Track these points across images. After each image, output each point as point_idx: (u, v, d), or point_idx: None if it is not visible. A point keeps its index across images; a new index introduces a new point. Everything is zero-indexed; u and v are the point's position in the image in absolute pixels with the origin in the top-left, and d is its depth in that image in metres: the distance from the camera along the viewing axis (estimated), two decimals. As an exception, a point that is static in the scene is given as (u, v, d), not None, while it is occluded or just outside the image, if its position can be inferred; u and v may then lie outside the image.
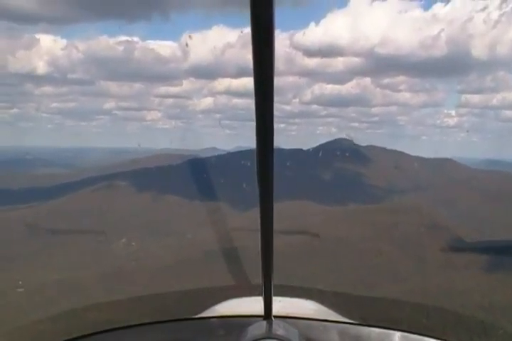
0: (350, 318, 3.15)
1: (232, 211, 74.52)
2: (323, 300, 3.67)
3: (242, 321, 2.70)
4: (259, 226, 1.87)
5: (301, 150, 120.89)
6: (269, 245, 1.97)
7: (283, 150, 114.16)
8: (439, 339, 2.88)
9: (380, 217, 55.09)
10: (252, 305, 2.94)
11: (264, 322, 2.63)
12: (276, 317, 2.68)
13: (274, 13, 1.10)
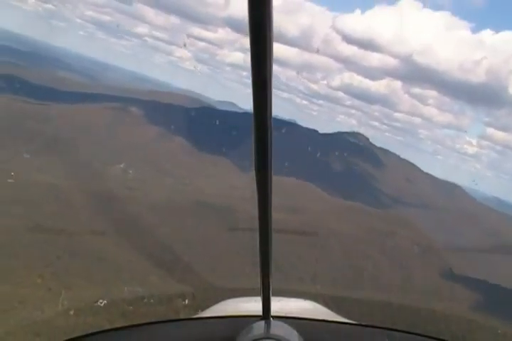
0: (348, 318, 3.25)
1: (233, 168, 75.25)
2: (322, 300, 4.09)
3: (241, 321, 2.71)
4: (258, 226, 1.87)
5: (317, 131, 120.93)
6: (267, 245, 1.97)
7: (299, 126, 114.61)
8: (438, 339, 2.95)
9: (378, 223, 55.57)
10: (251, 305, 3.01)
11: (263, 322, 2.63)
12: (274, 317, 2.67)
13: (272, 10, 1.14)
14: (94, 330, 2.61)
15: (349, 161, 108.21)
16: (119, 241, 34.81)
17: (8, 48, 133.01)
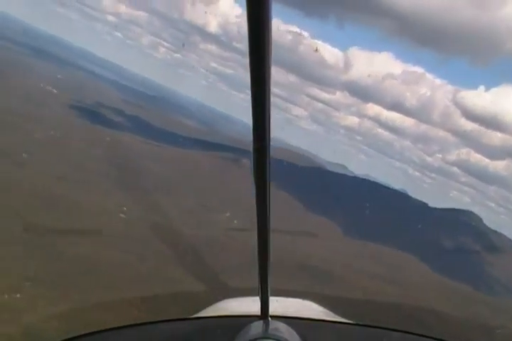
0: (346, 318, 3.19)
1: (337, 232, 74.37)
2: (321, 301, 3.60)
3: (239, 321, 2.73)
4: (256, 226, 1.88)
5: (427, 205, 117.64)
6: (265, 245, 1.98)
7: (409, 197, 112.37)
8: (437, 339, 2.91)
9: (485, 311, 52.01)
10: (249, 305, 2.97)
11: (261, 322, 2.66)
12: (273, 317, 2.70)
13: (271, 11, 1.10)
14: (94, 330, 2.64)
15: (458, 240, 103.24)
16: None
17: (137, 91, 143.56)
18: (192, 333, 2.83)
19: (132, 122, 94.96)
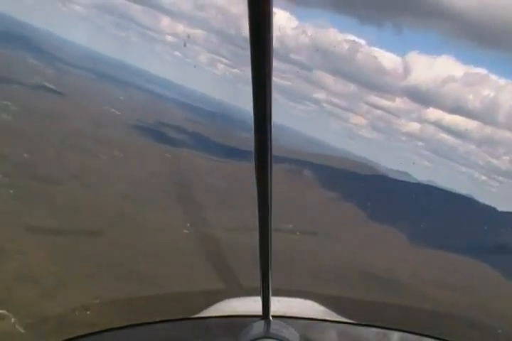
0: (348, 318, 3.18)
1: (403, 240, 72.64)
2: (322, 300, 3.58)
3: (241, 321, 2.75)
4: (257, 226, 1.88)
5: (495, 209, 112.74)
6: (267, 245, 1.98)
7: (476, 202, 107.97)
8: (437, 339, 2.91)
9: None
10: (250, 304, 2.96)
11: (263, 322, 2.65)
12: (274, 316, 2.69)
13: (272, 11, 1.11)
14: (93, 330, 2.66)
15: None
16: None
17: (197, 108, 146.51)
18: (193, 333, 2.91)
19: (193, 139, 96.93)
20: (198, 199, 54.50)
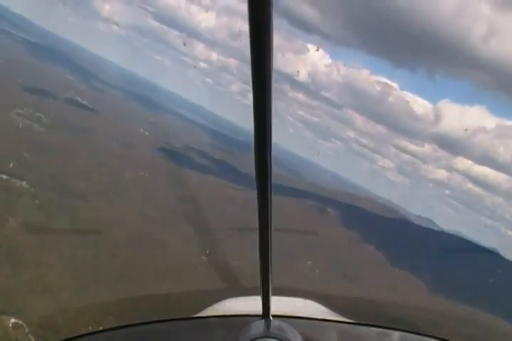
0: (348, 318, 3.21)
1: (423, 289, 71.48)
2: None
3: (241, 320, 2.75)
4: (257, 226, 1.89)
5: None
6: (267, 244, 1.98)
7: (501, 258, 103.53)
8: (438, 338, 2.90)
9: None
10: (251, 304, 2.96)
11: (263, 322, 2.66)
12: (274, 316, 2.69)
13: (272, 11, 1.12)
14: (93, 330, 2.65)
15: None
16: None
17: (224, 135, 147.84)
18: (193, 333, 2.90)
19: (219, 166, 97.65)
20: (219, 227, 54.66)
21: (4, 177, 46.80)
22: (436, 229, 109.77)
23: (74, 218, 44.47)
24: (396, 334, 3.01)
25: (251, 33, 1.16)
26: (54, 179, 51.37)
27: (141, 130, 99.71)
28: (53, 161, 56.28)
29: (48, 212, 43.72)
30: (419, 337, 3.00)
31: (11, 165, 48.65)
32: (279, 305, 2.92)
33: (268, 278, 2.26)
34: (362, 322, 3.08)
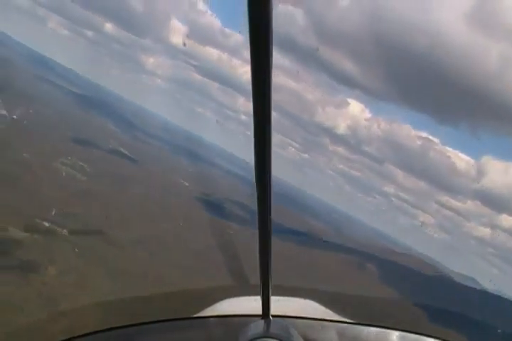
0: (348, 317, 3.25)
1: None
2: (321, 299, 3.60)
3: (241, 320, 2.78)
4: (257, 226, 1.89)
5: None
6: (266, 245, 2.01)
7: None
8: (437, 338, 3.00)
9: None
10: (250, 304, 2.98)
11: (263, 322, 2.67)
12: (274, 316, 2.71)
13: (272, 11, 1.13)
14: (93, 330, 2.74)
15: None
16: None
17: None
18: (193, 333, 2.96)
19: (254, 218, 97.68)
20: (254, 279, 54.32)
21: (47, 224, 48.10)
22: (478, 287, 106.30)
23: (112, 267, 45.03)
24: (395, 334, 3.05)
25: (251, 33, 1.18)
26: (94, 227, 52.44)
27: (181, 180, 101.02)
28: (94, 210, 57.57)
29: (86, 260, 44.47)
30: (419, 336, 3.09)
31: (53, 213, 50.02)
32: (279, 305, 2.94)
33: (268, 278, 2.31)
34: (361, 322, 3.16)
